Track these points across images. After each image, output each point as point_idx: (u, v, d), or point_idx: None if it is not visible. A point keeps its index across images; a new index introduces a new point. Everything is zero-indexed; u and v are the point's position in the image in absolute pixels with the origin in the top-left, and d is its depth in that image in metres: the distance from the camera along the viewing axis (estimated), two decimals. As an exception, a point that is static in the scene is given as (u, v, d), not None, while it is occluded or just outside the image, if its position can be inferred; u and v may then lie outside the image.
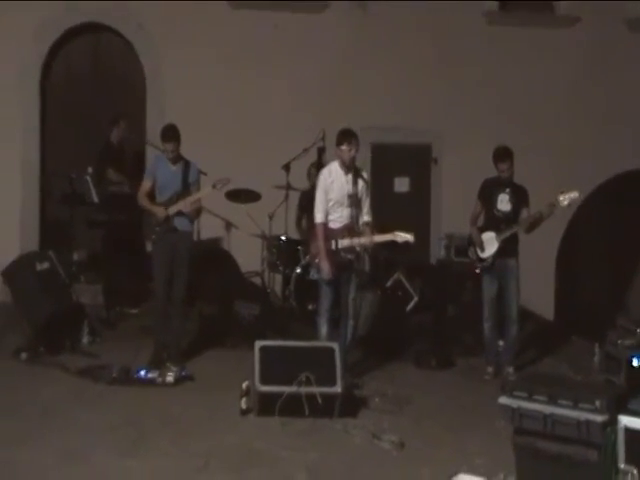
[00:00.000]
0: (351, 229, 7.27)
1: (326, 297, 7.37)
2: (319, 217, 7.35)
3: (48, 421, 6.23)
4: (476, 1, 10.65)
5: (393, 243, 8.40)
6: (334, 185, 7.28)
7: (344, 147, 7.25)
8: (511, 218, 7.73)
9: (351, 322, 7.35)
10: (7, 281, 8.21)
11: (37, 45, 10.28)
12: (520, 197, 7.76)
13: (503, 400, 5.21)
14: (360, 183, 7.30)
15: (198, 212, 7.86)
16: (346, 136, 7.29)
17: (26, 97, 10.28)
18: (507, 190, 7.77)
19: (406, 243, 7.19)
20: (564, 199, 7.47)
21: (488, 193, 7.88)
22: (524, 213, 7.73)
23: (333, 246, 7.25)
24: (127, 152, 9.92)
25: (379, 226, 7.52)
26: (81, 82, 10.52)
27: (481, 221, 7.98)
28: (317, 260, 7.36)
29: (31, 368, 7.48)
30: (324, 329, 7.36)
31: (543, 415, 5.03)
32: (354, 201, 7.23)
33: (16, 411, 6.40)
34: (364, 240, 7.24)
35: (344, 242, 7.25)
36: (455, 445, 6.06)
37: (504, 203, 7.77)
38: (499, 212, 7.82)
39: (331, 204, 7.30)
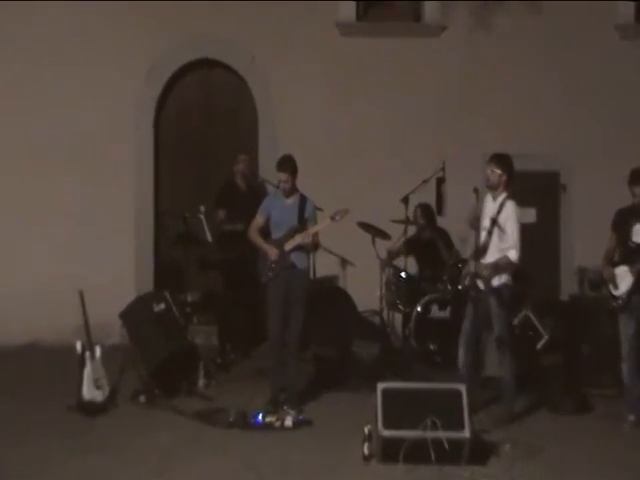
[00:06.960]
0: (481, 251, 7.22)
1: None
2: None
3: (167, 465, 6.20)
4: (608, 14, 10.18)
5: (522, 278, 8.07)
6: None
7: None
8: None
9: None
10: (125, 323, 8.24)
11: (151, 83, 10.45)
12: None
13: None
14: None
15: (316, 246, 7.79)
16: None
17: (141, 135, 10.45)
18: None
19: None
20: None
21: (622, 224, 7.40)
22: None
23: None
24: (249, 192, 9.35)
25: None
26: (194, 118, 10.64)
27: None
28: None
29: (149, 411, 7.54)
30: None
31: None
32: (492, 226, 7.21)
33: (136, 455, 6.41)
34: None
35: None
36: (594, 496, 5.71)
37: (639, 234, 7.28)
38: (634, 244, 7.29)
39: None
